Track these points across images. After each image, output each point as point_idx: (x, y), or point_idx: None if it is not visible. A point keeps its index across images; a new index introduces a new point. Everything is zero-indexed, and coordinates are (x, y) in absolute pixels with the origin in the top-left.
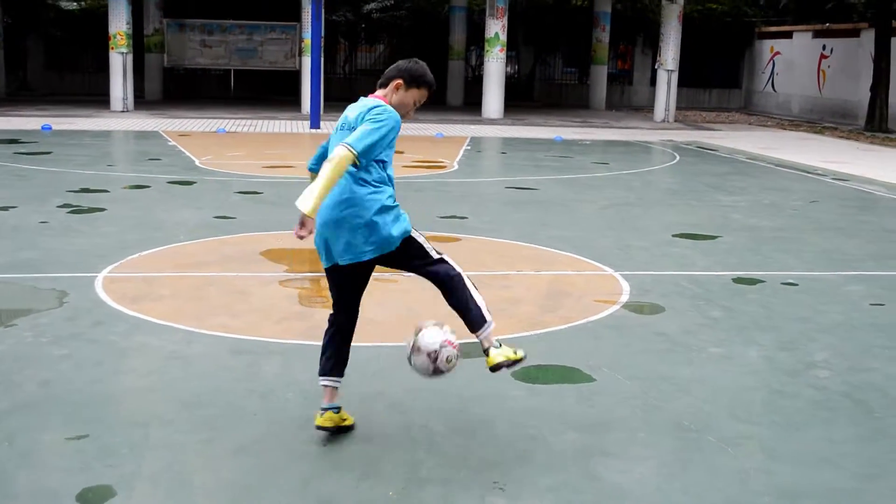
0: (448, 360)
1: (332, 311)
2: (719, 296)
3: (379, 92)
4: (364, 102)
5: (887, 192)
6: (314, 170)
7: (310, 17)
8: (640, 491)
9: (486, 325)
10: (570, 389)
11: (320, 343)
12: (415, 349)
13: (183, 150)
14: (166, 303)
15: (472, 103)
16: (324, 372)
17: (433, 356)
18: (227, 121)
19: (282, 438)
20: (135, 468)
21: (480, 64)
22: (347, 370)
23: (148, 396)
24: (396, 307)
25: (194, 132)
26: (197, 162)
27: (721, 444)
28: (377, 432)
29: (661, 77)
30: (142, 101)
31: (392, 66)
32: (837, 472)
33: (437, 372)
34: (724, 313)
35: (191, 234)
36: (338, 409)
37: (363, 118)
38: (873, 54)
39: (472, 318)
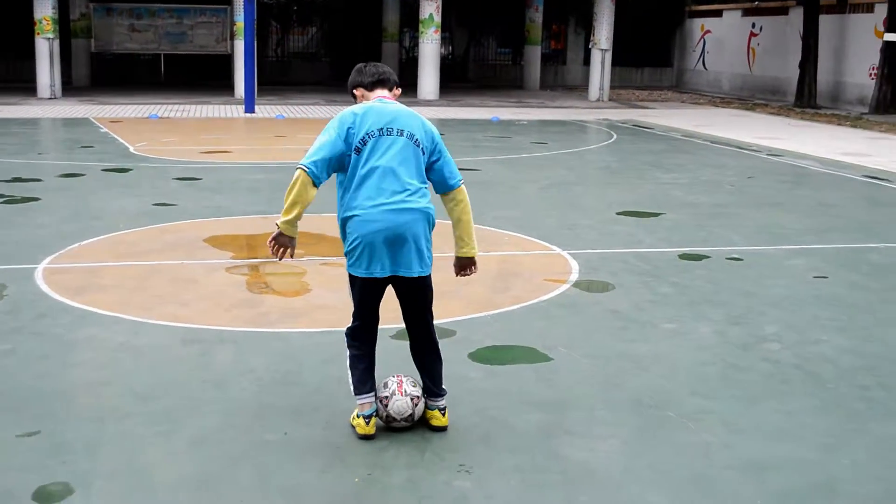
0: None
1: (355, 329)
2: (667, 272)
3: (390, 94)
4: (415, 114)
5: (820, 166)
6: (314, 175)
7: (241, 0)
8: (606, 469)
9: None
10: (528, 369)
11: (272, 330)
12: (399, 393)
13: (116, 136)
14: (111, 293)
15: (406, 84)
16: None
17: (415, 401)
18: (159, 106)
19: (241, 429)
20: (91, 464)
21: (414, 45)
22: (302, 356)
23: (100, 390)
24: (347, 291)
25: (126, 118)
26: (131, 148)
27: (682, 420)
28: (338, 420)
29: (595, 56)
30: (69, 87)
31: (388, 71)
32: (797, 443)
33: (410, 418)
34: (673, 289)
35: (131, 222)
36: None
37: (435, 138)
38: (802, 32)
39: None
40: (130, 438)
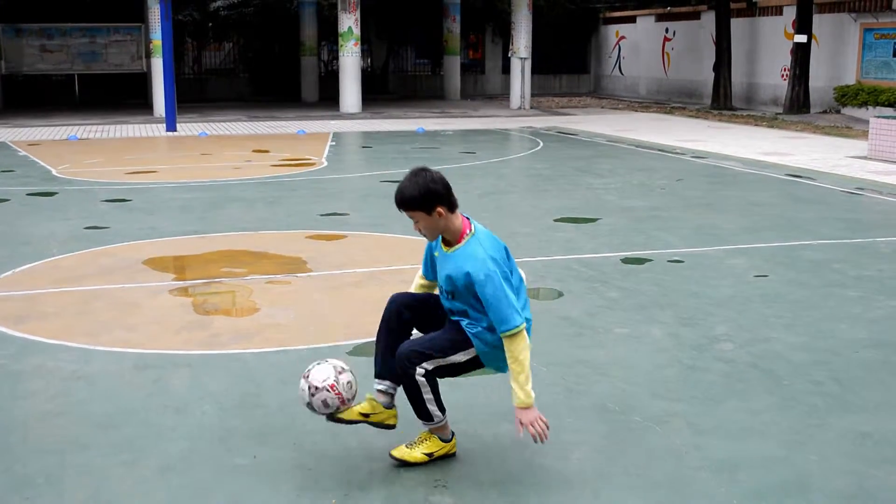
0: (325, 404)
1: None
2: (613, 277)
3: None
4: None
5: (744, 166)
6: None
7: (157, 17)
8: (582, 477)
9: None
10: (490, 380)
11: (225, 352)
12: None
13: (36, 159)
14: (53, 320)
15: (327, 98)
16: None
17: (311, 391)
18: (77, 127)
19: (207, 454)
20: (57, 499)
21: (333, 59)
22: (260, 377)
23: (56, 421)
24: (297, 309)
25: (44, 141)
26: (54, 171)
27: (648, 423)
28: (306, 440)
29: (515, 65)
30: None
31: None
32: (764, 441)
33: (309, 406)
34: (620, 294)
35: (64, 246)
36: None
37: None
38: (714, 35)
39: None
40: (94, 469)
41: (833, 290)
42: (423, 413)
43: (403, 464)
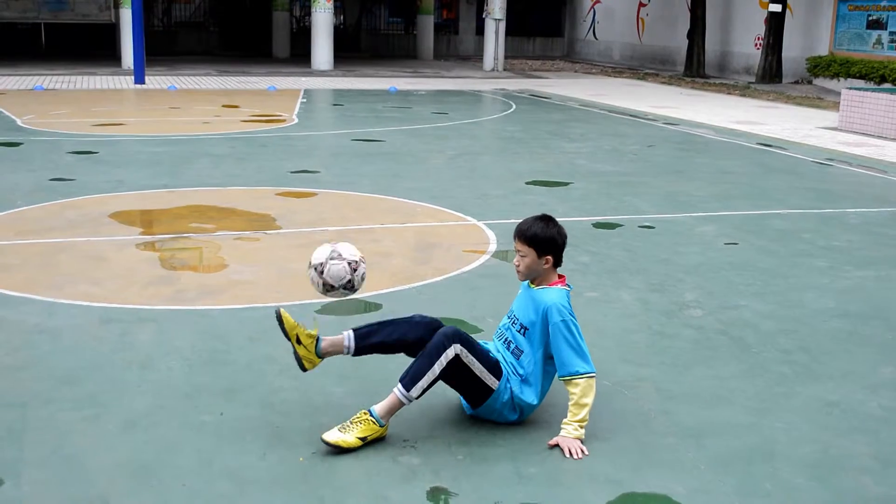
0: (362, 278)
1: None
2: (583, 241)
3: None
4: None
5: (715, 134)
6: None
7: None
8: (549, 438)
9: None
10: None
11: (193, 308)
12: (333, 257)
13: (0, 109)
14: (16, 272)
15: (298, 55)
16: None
17: (353, 266)
18: (43, 77)
19: (173, 410)
20: (18, 453)
21: (305, 15)
22: (227, 334)
23: (17, 374)
24: (265, 266)
25: (9, 90)
26: (19, 121)
27: (618, 388)
28: (275, 399)
29: (489, 26)
30: None
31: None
32: (731, 408)
33: (349, 285)
34: (591, 258)
35: (28, 198)
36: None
37: None
38: (689, 2)
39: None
40: (57, 424)
41: (802, 260)
42: (412, 381)
43: (338, 450)
